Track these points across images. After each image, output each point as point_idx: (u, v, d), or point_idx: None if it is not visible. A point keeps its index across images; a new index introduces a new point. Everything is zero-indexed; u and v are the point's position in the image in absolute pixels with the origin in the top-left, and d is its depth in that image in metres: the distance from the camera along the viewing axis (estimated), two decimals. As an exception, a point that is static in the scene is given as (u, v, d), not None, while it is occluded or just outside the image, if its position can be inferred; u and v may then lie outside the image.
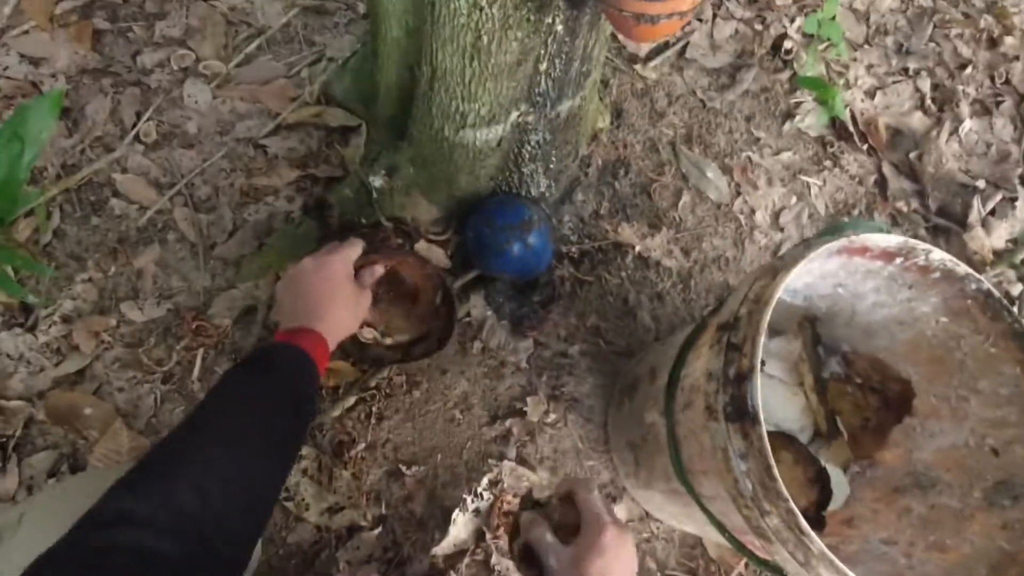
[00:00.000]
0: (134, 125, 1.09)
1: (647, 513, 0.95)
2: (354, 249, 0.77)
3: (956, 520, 0.67)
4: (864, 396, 0.82)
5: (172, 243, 1.03)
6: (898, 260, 0.68)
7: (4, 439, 0.89)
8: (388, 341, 0.93)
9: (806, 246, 0.65)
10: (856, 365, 0.83)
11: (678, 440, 0.71)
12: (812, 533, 0.51)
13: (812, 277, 0.75)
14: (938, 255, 0.65)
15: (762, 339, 0.57)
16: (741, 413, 0.56)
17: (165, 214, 1.05)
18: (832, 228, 0.69)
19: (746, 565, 0.93)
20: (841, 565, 0.51)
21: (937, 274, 0.67)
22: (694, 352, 0.72)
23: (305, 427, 0.62)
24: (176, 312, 0.98)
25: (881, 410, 0.81)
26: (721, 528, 0.67)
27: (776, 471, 0.53)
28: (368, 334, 0.91)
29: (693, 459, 0.67)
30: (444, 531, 0.89)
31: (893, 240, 0.65)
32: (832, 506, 0.77)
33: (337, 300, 0.70)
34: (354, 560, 0.86)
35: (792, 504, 0.52)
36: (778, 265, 0.63)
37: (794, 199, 1.21)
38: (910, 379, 0.78)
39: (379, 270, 0.82)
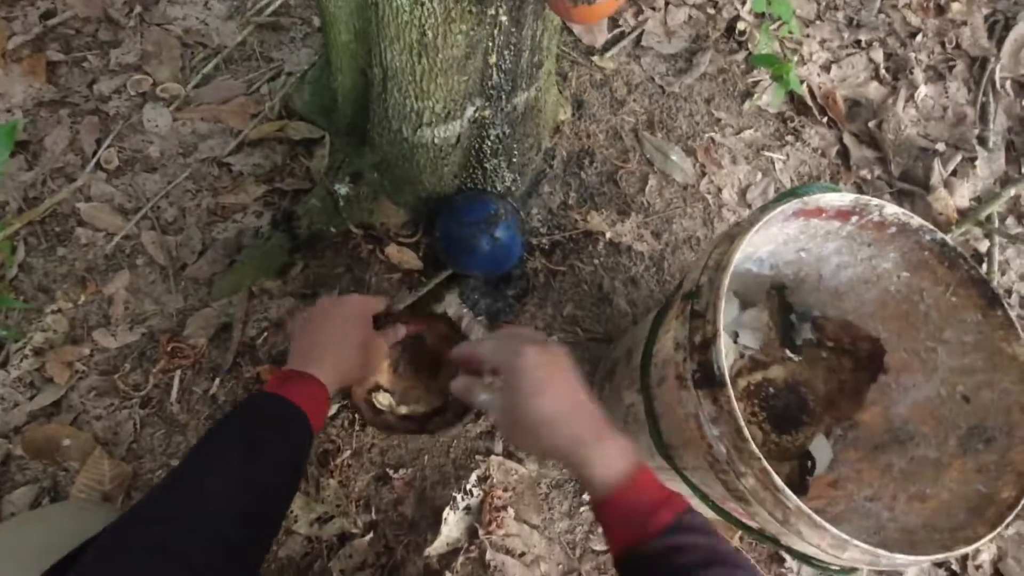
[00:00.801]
0: (95, 153, 1.08)
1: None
2: (377, 300, 0.74)
3: (934, 470, 0.68)
4: (838, 359, 0.83)
5: (142, 267, 1.02)
6: (854, 219, 0.69)
7: (-19, 478, 0.87)
8: (403, 410, 0.88)
9: (761, 210, 0.66)
10: (827, 329, 0.83)
11: (656, 416, 0.71)
12: (787, 490, 0.52)
13: (775, 244, 0.76)
14: (891, 209, 0.66)
15: (723, 303, 0.57)
16: (709, 378, 0.56)
17: (132, 239, 1.04)
18: (786, 193, 0.70)
19: (740, 538, 0.94)
20: (819, 519, 0.52)
21: (893, 229, 0.68)
22: (664, 327, 0.72)
23: (291, 485, 0.58)
24: (150, 336, 0.97)
25: (855, 371, 0.82)
26: (706, 499, 0.68)
27: (747, 432, 0.53)
28: (384, 399, 0.87)
29: (672, 433, 0.68)
30: (436, 531, 0.88)
31: (846, 198, 0.66)
32: (816, 471, 0.77)
33: (347, 342, 0.68)
34: (348, 568, 0.86)
35: (765, 463, 0.52)
36: (734, 231, 0.63)
37: (759, 175, 1.22)
38: (879, 337, 0.79)
39: (402, 330, 0.78)
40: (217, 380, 0.94)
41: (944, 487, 0.65)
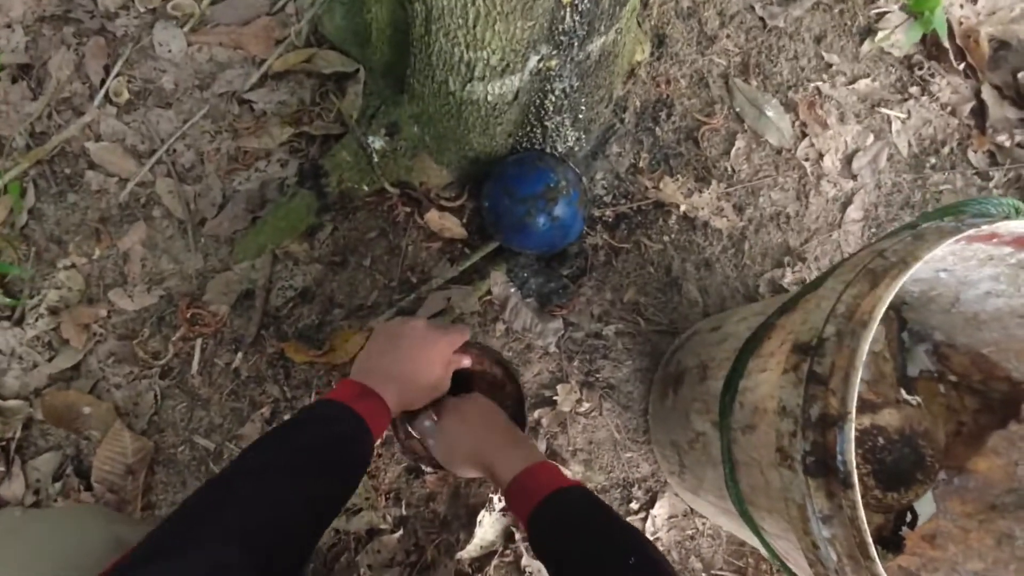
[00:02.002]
0: (103, 83, 0.96)
1: (691, 509, 0.86)
2: (463, 336, 0.71)
3: (1077, 562, 0.56)
4: (960, 397, 0.68)
5: (158, 220, 0.93)
6: (1034, 247, 0.52)
7: (5, 442, 0.84)
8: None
9: (916, 237, 0.50)
10: (952, 360, 0.69)
11: (736, 462, 0.60)
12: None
13: (910, 263, 0.60)
14: (1095, 244, 0.49)
15: (859, 374, 0.44)
16: (826, 468, 0.44)
17: (147, 187, 0.93)
18: (946, 210, 0.53)
19: None
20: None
21: (1087, 266, 0.52)
22: (757, 360, 0.59)
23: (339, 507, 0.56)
24: (169, 299, 0.90)
25: (980, 413, 0.68)
26: (784, 567, 0.58)
27: (873, 548, 0.42)
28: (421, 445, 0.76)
29: (756, 492, 0.56)
30: (470, 532, 0.82)
31: (1035, 226, 0.49)
32: (917, 525, 0.66)
33: (425, 380, 0.66)
34: (375, 564, 0.81)
35: (892, 591, 0.41)
36: (878, 267, 0.48)
37: (871, 138, 1.01)
38: (1022, 380, 0.64)
39: (466, 361, 0.72)
40: (240, 353, 0.87)
41: (1091, 590, 0.53)
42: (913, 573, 0.65)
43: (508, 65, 0.66)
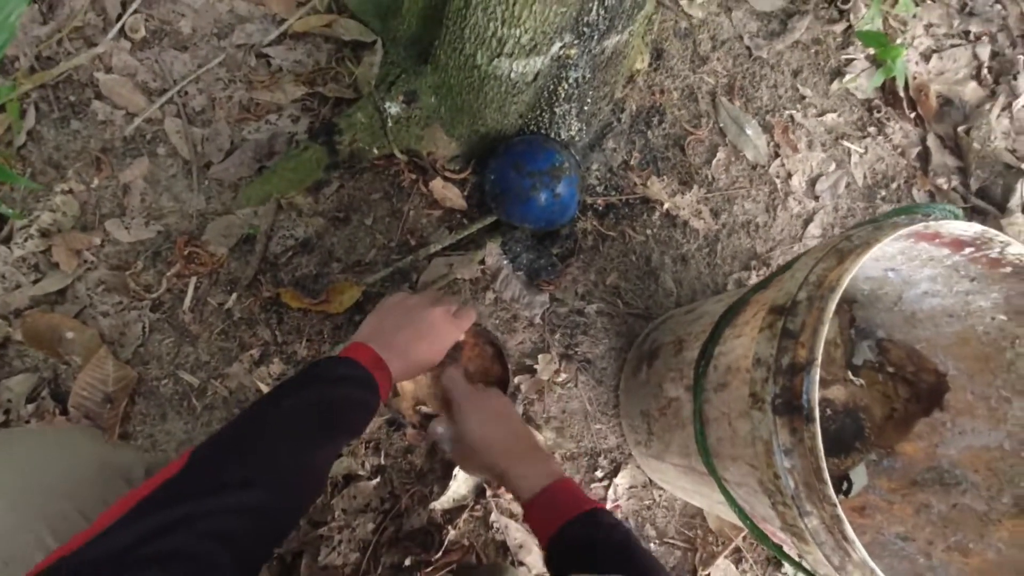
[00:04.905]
0: (119, 17, 0.96)
1: (650, 481, 0.93)
2: (470, 319, 0.71)
3: (981, 523, 0.65)
4: (894, 386, 0.78)
5: (162, 158, 0.94)
6: (967, 250, 0.63)
7: (-22, 358, 0.83)
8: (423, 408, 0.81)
9: (876, 227, 0.59)
10: (891, 353, 0.79)
11: (706, 420, 0.67)
12: (857, 541, 0.48)
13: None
14: (1016, 249, 0.60)
15: (825, 328, 0.52)
16: (792, 407, 0.51)
17: (155, 124, 0.94)
18: (902, 210, 0.63)
19: (744, 538, 0.93)
20: (881, 574, 0.49)
21: (1008, 269, 0.62)
22: (733, 328, 0.67)
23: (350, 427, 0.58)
24: (167, 235, 0.90)
25: (910, 401, 0.78)
26: (741, 513, 0.65)
27: (826, 473, 0.49)
28: (405, 403, 0.79)
29: (723, 443, 0.64)
30: (444, 486, 0.86)
31: (971, 229, 0.59)
32: (851, 495, 0.75)
33: (428, 357, 0.66)
34: (350, 508, 0.84)
35: (840, 511, 0.48)
36: (844, 247, 0.57)
37: (833, 166, 1.13)
38: (946, 373, 0.74)
39: (461, 337, 0.72)
40: (234, 295, 0.88)
41: (991, 545, 0.63)
42: (844, 535, 0.74)
43: (536, 46, 0.73)
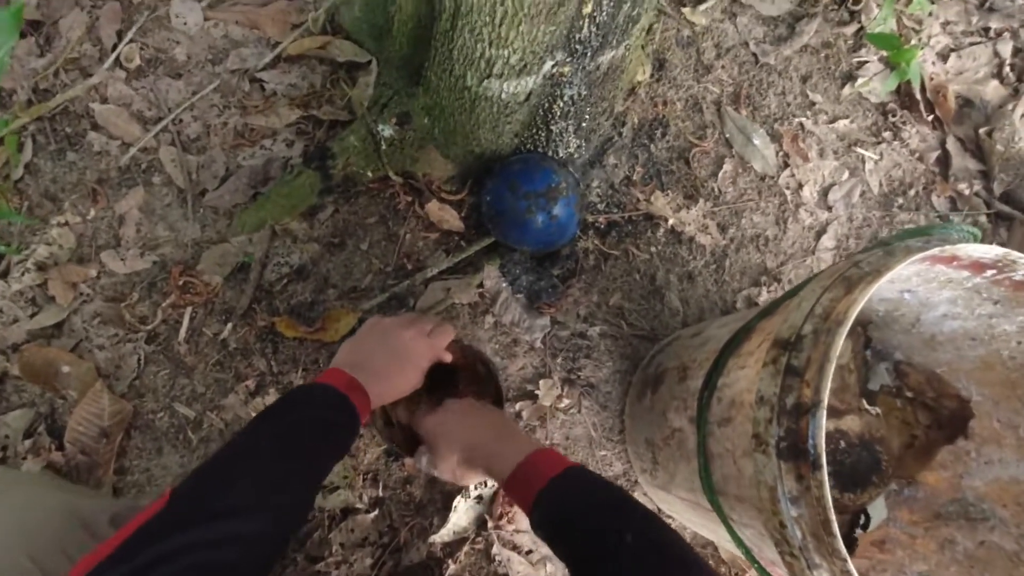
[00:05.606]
0: (114, 47, 0.96)
1: (659, 508, 0.90)
2: (447, 337, 0.71)
3: (1011, 564, 0.61)
4: (914, 412, 0.74)
5: (158, 187, 0.93)
6: (989, 272, 0.58)
7: (-24, 394, 0.83)
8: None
9: (887, 252, 0.55)
10: (909, 377, 0.74)
11: (710, 455, 0.63)
12: (870, 598, 0.45)
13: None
14: (1041, 272, 0.55)
15: (832, 367, 0.48)
16: (797, 452, 0.48)
17: (150, 153, 0.94)
18: (915, 232, 0.59)
19: (758, 568, 0.89)
20: (898, 633, 0.45)
21: (1034, 293, 0.58)
22: (737, 359, 0.63)
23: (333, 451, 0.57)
24: (162, 265, 0.90)
25: (931, 428, 0.73)
26: (749, 555, 0.61)
27: (835, 526, 0.45)
28: (402, 416, 0.78)
29: (728, 481, 0.60)
30: (444, 517, 0.84)
31: (991, 252, 0.55)
32: (869, 528, 0.71)
33: (407, 379, 0.66)
34: (348, 543, 0.82)
35: (851, 565, 0.45)
36: (853, 275, 0.53)
37: (846, 174, 1.09)
38: (970, 399, 0.70)
39: (446, 357, 0.72)
40: (230, 325, 0.87)
41: (1022, 589, 0.58)
42: (863, 574, 0.70)
43: (526, 66, 0.70)
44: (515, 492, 0.59)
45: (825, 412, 0.47)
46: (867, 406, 0.73)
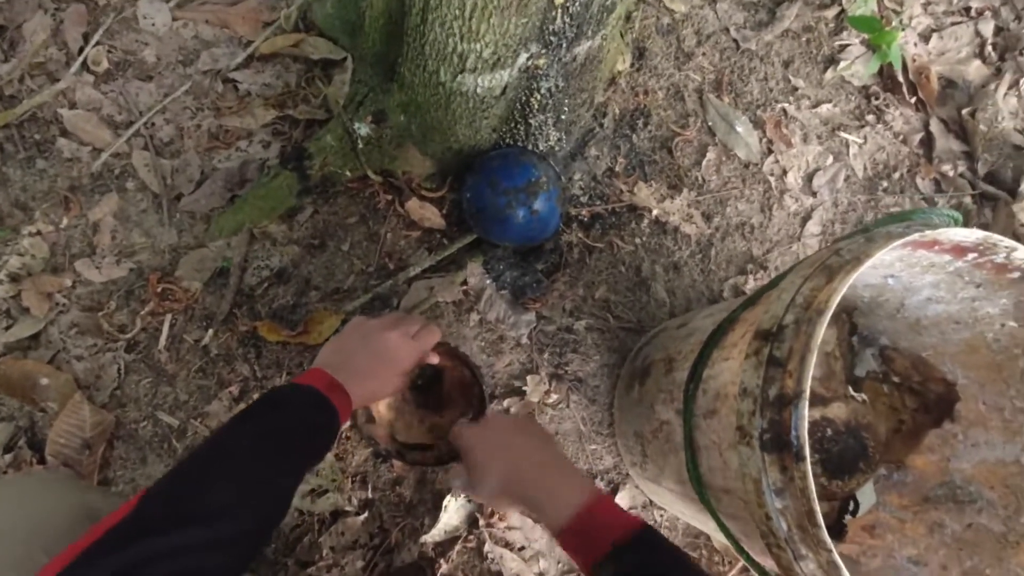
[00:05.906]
0: (81, 50, 0.94)
1: (650, 501, 0.90)
2: (433, 338, 0.68)
3: (998, 546, 0.61)
4: (901, 397, 0.74)
5: (132, 192, 0.91)
6: (971, 255, 0.58)
7: (-47, 410, 0.81)
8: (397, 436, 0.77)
9: (867, 239, 0.55)
10: (895, 362, 0.74)
11: (696, 447, 0.63)
12: (856, 589, 0.44)
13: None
14: (1022, 254, 0.55)
15: (814, 357, 0.48)
16: (781, 443, 0.48)
17: (123, 158, 0.92)
18: (896, 217, 0.58)
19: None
20: (885, 623, 0.45)
21: (1016, 274, 0.57)
22: (721, 350, 0.63)
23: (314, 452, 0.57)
24: (139, 272, 0.88)
25: (918, 412, 0.73)
26: (738, 546, 0.61)
27: (820, 516, 0.45)
28: (384, 412, 0.76)
29: (714, 473, 0.60)
30: (435, 517, 0.83)
31: (972, 235, 0.54)
32: (858, 514, 0.71)
33: (390, 381, 0.65)
34: (338, 546, 0.81)
35: (836, 556, 0.45)
36: (834, 264, 0.52)
37: (830, 159, 1.08)
38: (956, 382, 0.70)
39: (433, 359, 0.69)
40: (210, 331, 0.86)
41: (1009, 571, 0.58)
42: (854, 559, 0.70)
43: (499, 59, 0.69)
44: (570, 548, 0.55)
45: (808, 403, 0.47)
46: (853, 393, 0.73)
